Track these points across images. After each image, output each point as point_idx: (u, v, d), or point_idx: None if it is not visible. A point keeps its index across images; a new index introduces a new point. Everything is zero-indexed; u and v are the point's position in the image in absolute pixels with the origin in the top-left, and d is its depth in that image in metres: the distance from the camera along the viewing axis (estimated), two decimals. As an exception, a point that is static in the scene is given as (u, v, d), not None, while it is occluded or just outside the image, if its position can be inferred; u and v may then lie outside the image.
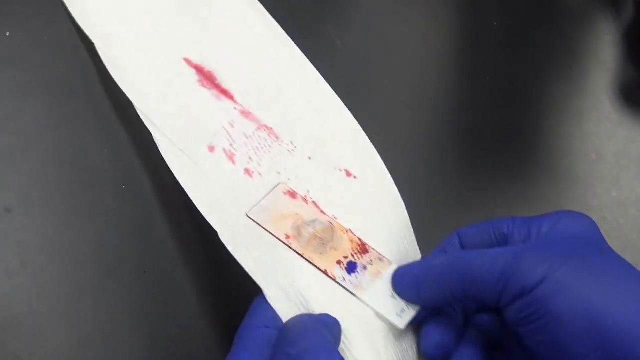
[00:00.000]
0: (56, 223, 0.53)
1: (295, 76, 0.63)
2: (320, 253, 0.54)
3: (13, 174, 0.53)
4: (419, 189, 0.63)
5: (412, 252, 0.58)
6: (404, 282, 0.52)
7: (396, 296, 0.52)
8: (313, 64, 0.62)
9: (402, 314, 0.51)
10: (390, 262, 0.55)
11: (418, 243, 0.57)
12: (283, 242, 0.54)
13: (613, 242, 0.64)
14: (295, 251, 0.54)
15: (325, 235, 0.56)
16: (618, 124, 0.73)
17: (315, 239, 0.55)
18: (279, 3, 0.65)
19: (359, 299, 0.53)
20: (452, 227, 0.58)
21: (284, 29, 0.63)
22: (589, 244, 0.48)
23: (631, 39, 0.79)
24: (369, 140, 0.61)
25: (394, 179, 0.59)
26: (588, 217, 0.50)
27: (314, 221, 0.56)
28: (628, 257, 0.63)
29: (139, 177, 0.56)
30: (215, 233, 0.51)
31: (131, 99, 0.57)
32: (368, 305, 0.52)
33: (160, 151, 0.55)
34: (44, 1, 0.59)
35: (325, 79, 0.63)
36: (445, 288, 0.48)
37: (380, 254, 0.56)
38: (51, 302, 0.51)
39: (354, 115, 0.61)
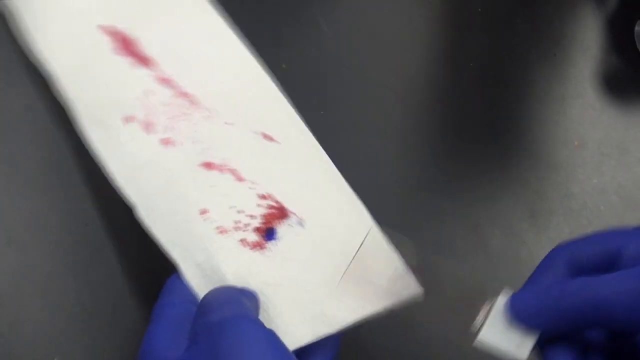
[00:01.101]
0: (40, 202, 0.53)
1: (215, 42, 0.62)
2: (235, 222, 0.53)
3: (-3, 153, 0.53)
4: (400, 174, 0.63)
5: (354, 215, 0.55)
6: (525, 310, 0.48)
7: (511, 327, 0.48)
8: (299, 48, 0.62)
9: (522, 344, 0.47)
10: (498, 294, 0.49)
11: (398, 228, 0.57)
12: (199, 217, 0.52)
13: (594, 229, 0.65)
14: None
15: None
16: (601, 112, 0.73)
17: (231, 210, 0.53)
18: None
19: (476, 341, 0.48)
20: (432, 213, 0.58)
21: (270, 13, 0.63)
22: None
23: (615, 27, 0.79)
24: (289, 105, 0.59)
25: (376, 162, 0.59)
26: None
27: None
28: (608, 244, 0.64)
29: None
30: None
31: (50, 70, 0.56)
32: (484, 343, 0.48)
33: (80, 126, 0.54)
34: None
35: (310, 63, 0.63)
36: (570, 315, 0.45)
37: (300, 217, 0.54)
38: (35, 280, 0.51)
39: (339, 99, 0.61)
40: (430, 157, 0.66)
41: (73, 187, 0.54)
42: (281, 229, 0.53)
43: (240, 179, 0.55)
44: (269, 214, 0.54)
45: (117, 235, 0.55)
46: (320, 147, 0.57)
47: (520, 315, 0.47)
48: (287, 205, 0.54)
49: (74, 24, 0.59)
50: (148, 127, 0.55)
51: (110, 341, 0.52)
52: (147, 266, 0.54)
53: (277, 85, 0.59)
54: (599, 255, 0.47)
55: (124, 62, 0.58)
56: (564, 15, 0.79)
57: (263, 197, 0.54)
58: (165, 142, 0.55)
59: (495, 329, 0.48)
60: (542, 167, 0.68)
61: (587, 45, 0.77)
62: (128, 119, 0.55)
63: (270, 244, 0.52)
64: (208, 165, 0.55)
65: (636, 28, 0.78)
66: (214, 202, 0.53)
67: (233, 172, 0.55)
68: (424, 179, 0.65)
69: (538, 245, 0.63)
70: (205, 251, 0.51)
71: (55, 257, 0.52)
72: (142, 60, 0.59)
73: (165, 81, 0.58)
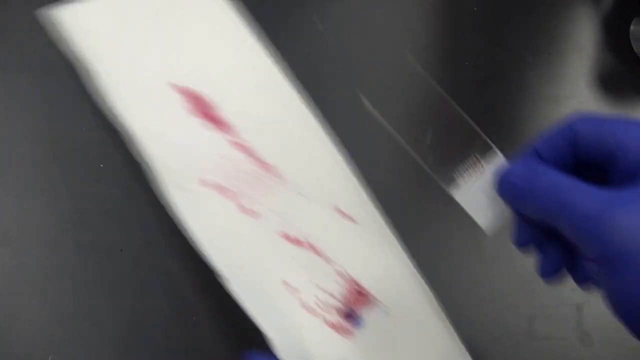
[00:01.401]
0: (35, 201, 0.53)
1: (286, 107, 0.62)
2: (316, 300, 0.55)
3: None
4: (395, 171, 0.63)
5: (417, 294, 0.57)
6: (509, 189, 0.46)
7: (492, 197, 0.47)
8: (293, 47, 0.62)
9: (495, 217, 0.47)
10: (495, 153, 0.48)
11: (399, 228, 0.57)
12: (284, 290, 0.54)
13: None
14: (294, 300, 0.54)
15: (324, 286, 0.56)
16: (595, 111, 0.73)
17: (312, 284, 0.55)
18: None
19: (450, 192, 0.48)
20: (430, 213, 0.58)
21: (264, 10, 0.63)
22: None
23: (610, 26, 0.79)
24: (360, 183, 0.60)
25: (372, 162, 0.59)
26: None
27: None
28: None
29: (116, 156, 0.56)
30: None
31: (127, 126, 0.56)
32: (461, 199, 0.47)
33: (159, 186, 0.55)
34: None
35: (305, 61, 0.63)
36: (536, 209, 0.44)
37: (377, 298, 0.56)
38: (31, 280, 0.51)
39: (333, 97, 0.61)
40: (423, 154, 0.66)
41: (69, 187, 0.54)
42: (367, 315, 0.55)
43: (318, 253, 0.57)
44: (350, 296, 0.56)
45: (111, 234, 0.55)
46: (390, 232, 0.59)
47: (503, 190, 0.47)
48: (369, 289, 0.56)
49: (146, 81, 0.59)
50: (224, 191, 0.56)
51: (106, 341, 0.53)
52: (143, 264, 0.54)
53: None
54: (601, 149, 0.45)
55: (198, 122, 0.59)
56: (559, 14, 0.79)
57: (341, 274, 0.56)
58: (244, 210, 0.56)
59: (475, 190, 0.48)
60: (536, 166, 0.68)
61: (582, 45, 0.77)
62: (205, 183, 0.56)
63: (356, 330, 0.54)
64: (288, 238, 0.56)
65: (631, 27, 0.79)
66: (295, 275, 0.55)
67: (312, 246, 0.57)
68: (415, 177, 0.65)
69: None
70: (290, 324, 0.53)
71: (51, 256, 0.52)
72: (218, 123, 0.59)
73: (241, 147, 0.59)
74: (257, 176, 0.58)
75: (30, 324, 0.50)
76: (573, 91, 0.74)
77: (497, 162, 0.48)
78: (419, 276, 0.58)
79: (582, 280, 0.46)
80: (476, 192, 0.48)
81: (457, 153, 0.49)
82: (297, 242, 0.56)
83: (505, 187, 0.46)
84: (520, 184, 0.45)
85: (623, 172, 0.44)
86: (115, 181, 0.55)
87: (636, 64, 0.77)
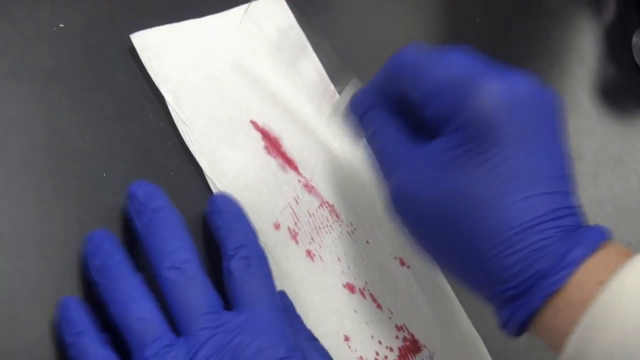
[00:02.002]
0: (35, 209, 0.53)
1: (349, 152, 0.62)
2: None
3: (-6, 160, 0.53)
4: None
5: (468, 341, 0.59)
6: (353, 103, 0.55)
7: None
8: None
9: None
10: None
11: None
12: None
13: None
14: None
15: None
16: (597, 122, 0.73)
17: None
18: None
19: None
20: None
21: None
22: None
23: (612, 37, 0.79)
24: None
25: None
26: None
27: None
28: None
29: (119, 165, 0.56)
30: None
31: (199, 161, 0.57)
32: (334, 116, 0.58)
33: None
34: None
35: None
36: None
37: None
38: (31, 288, 0.51)
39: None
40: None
41: (69, 194, 0.54)
42: None
43: (379, 306, 0.57)
44: (404, 347, 0.57)
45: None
46: (444, 277, 0.61)
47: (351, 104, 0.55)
48: (419, 337, 0.58)
49: (227, 116, 0.59)
50: (295, 236, 0.57)
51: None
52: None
53: None
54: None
55: (275, 163, 0.59)
56: (561, 25, 0.79)
57: (399, 328, 0.57)
58: (311, 256, 0.57)
59: (342, 107, 0.56)
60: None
61: (584, 56, 0.78)
62: (278, 226, 0.57)
63: None
64: (351, 288, 0.57)
65: (633, 39, 0.79)
66: (357, 329, 0.56)
67: (373, 298, 0.58)
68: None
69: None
70: None
71: (50, 263, 0.52)
72: (288, 162, 0.59)
73: (310, 188, 0.59)
74: (326, 222, 0.58)
75: (29, 331, 0.50)
76: (575, 102, 0.74)
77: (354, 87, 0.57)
78: (469, 323, 0.60)
79: None
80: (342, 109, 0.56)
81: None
82: (360, 293, 0.57)
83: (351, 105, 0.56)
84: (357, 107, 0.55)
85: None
86: (117, 190, 0.55)
87: (638, 75, 0.77)
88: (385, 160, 0.51)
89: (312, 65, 0.63)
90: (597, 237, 0.44)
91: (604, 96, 0.75)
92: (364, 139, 0.54)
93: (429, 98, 0.48)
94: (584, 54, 0.77)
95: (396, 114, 0.53)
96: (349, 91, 0.57)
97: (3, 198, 0.52)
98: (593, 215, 0.67)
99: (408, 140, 0.51)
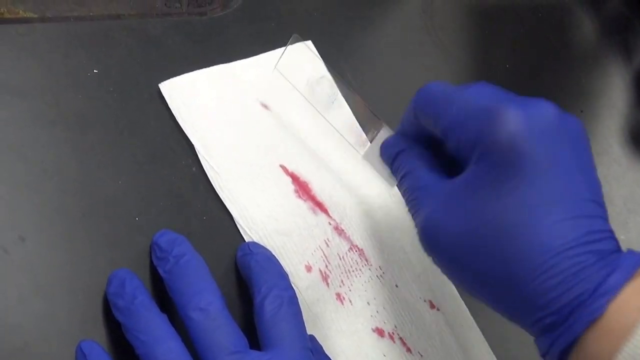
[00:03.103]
0: (69, 252, 0.53)
1: (377, 196, 0.63)
2: None
3: (28, 204, 0.54)
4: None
5: None
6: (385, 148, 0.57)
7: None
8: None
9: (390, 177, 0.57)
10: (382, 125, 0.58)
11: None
12: None
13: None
14: None
15: None
16: (627, 168, 0.73)
17: None
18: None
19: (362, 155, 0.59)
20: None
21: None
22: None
23: (642, 84, 0.79)
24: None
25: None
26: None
27: None
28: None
29: (151, 208, 0.57)
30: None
31: (229, 207, 0.57)
32: (367, 161, 0.59)
33: None
34: (61, 33, 0.60)
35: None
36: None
37: None
38: (62, 329, 0.51)
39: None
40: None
41: (100, 237, 0.55)
42: None
43: (409, 349, 0.58)
44: None
45: (145, 287, 0.55)
46: (473, 321, 0.61)
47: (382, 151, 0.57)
48: None
49: (258, 160, 0.60)
50: (326, 278, 0.57)
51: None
52: (176, 318, 0.55)
53: None
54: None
55: (305, 207, 0.60)
56: (591, 71, 0.79)
57: None
58: (340, 299, 0.57)
59: (374, 154, 0.58)
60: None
61: (614, 102, 0.78)
62: (310, 268, 0.57)
63: None
64: (380, 332, 0.57)
65: (663, 85, 0.79)
66: None
67: (403, 341, 0.58)
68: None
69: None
70: None
71: (82, 308, 0.52)
72: (318, 205, 0.60)
73: (340, 231, 0.60)
74: (356, 266, 0.59)
75: (41, 349, 0.50)
76: (605, 148, 0.74)
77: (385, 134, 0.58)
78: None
79: None
80: (374, 155, 0.58)
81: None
82: (390, 337, 0.57)
83: (383, 153, 0.57)
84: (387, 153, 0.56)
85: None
86: (149, 234, 0.55)
87: (668, 122, 0.77)
88: (414, 199, 0.51)
89: (342, 113, 0.63)
90: (634, 262, 0.44)
91: (634, 142, 0.75)
92: (397, 183, 0.54)
93: (452, 128, 0.49)
94: (614, 100, 0.77)
95: (425, 154, 0.53)
96: (380, 139, 0.57)
97: (36, 241, 0.53)
98: (624, 261, 0.67)
99: (437, 177, 0.51)
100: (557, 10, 0.82)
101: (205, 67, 0.62)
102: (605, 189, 0.70)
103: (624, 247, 0.66)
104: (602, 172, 0.71)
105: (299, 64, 0.62)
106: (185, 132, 0.58)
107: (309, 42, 0.66)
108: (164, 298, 0.53)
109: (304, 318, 0.52)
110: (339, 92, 0.64)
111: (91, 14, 0.64)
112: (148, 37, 0.62)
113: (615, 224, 0.69)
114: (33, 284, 0.52)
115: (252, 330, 0.51)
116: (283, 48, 0.61)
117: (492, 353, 0.60)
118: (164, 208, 0.57)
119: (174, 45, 0.63)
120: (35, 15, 0.62)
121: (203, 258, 0.52)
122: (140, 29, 0.62)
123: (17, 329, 0.50)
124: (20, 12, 0.62)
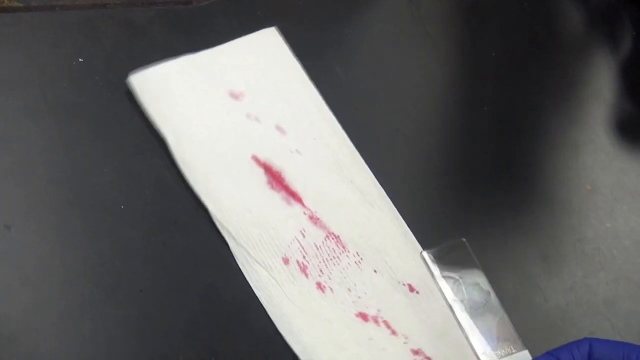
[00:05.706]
0: (55, 242, 0.53)
1: (354, 183, 0.63)
2: None
3: (14, 193, 0.54)
4: (415, 218, 0.63)
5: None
6: None
7: None
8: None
9: None
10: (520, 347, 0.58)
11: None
12: None
13: (606, 274, 0.65)
14: None
15: None
16: (613, 157, 0.73)
17: None
18: (285, 32, 0.66)
19: None
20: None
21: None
22: None
23: (628, 73, 0.79)
24: (422, 254, 0.61)
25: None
26: None
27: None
28: (621, 289, 0.64)
29: (137, 198, 0.57)
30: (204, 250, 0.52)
31: (203, 200, 0.57)
32: None
33: (238, 264, 0.56)
34: (47, 22, 0.59)
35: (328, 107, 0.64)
36: None
37: None
38: (49, 320, 0.51)
39: (352, 142, 0.62)
40: (443, 201, 0.67)
41: (89, 228, 0.55)
42: None
43: (394, 332, 0.57)
44: None
45: (131, 276, 0.55)
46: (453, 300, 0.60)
47: None
48: (433, 357, 0.57)
49: (229, 152, 0.60)
50: (305, 269, 0.57)
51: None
52: (163, 305, 0.55)
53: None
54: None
55: (278, 197, 0.59)
56: (577, 61, 0.79)
57: (415, 352, 0.57)
58: (321, 288, 0.57)
59: None
60: (555, 211, 0.68)
61: (600, 91, 0.78)
62: (287, 260, 0.57)
63: None
64: (364, 317, 0.57)
65: (649, 74, 0.79)
66: (374, 357, 0.56)
67: (387, 325, 0.58)
68: (436, 222, 0.65)
69: (551, 289, 0.63)
70: None
71: (69, 297, 0.52)
72: (292, 195, 0.60)
73: (315, 220, 0.59)
74: (333, 254, 0.59)
75: (28, 339, 0.50)
76: (592, 137, 0.74)
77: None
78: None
79: None
80: None
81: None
82: (374, 321, 0.57)
83: None
84: None
85: None
86: (135, 223, 0.55)
87: (655, 111, 0.77)
88: None
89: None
90: None
91: (620, 131, 0.75)
92: None
93: None
94: (600, 89, 0.77)
95: None
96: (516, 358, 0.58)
97: (24, 231, 0.53)
98: (610, 248, 0.67)
99: None
100: (543, -1, 0.82)
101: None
102: (592, 178, 0.71)
103: (609, 234, 0.67)
104: (588, 161, 0.72)
105: (265, 49, 0.64)
106: (157, 126, 0.58)
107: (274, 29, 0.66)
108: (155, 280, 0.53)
109: (286, 311, 0.53)
110: (306, 76, 0.64)
111: (77, 3, 0.63)
112: (133, 26, 0.62)
113: (601, 212, 0.69)
114: (19, 274, 0.52)
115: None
116: (251, 35, 0.61)
117: (477, 330, 0.60)
118: (150, 197, 0.57)
119: (159, 34, 0.63)
120: (21, 5, 0.62)
121: (190, 247, 0.52)
122: (126, 18, 0.62)
123: (4, 319, 0.50)
124: (6, 1, 0.61)
